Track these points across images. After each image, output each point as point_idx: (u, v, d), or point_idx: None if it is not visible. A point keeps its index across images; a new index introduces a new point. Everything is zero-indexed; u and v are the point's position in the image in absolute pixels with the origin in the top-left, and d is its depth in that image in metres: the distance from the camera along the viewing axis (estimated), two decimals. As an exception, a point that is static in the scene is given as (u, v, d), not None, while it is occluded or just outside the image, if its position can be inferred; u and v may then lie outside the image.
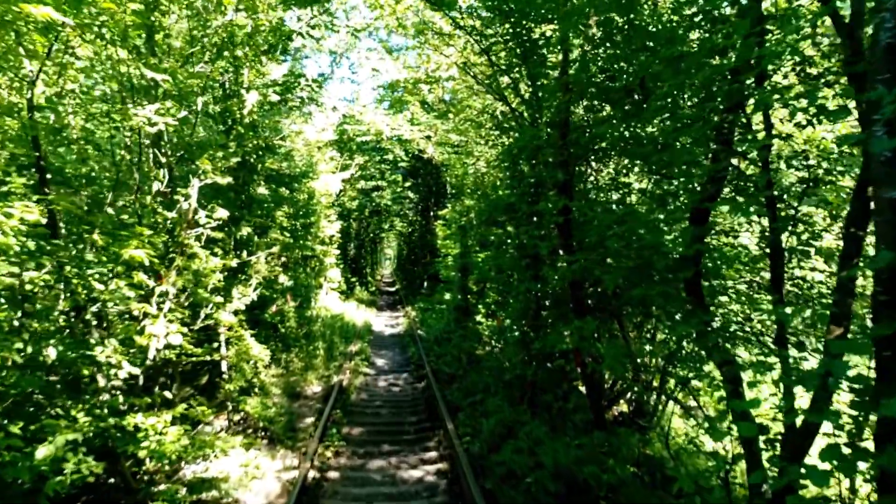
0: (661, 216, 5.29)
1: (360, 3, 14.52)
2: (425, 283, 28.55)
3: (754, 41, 3.19)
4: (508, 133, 10.45)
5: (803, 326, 3.41)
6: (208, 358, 7.55)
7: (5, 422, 3.68)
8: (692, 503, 5.02)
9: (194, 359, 6.14)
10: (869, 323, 3.46)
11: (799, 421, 3.45)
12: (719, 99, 3.66)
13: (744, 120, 3.94)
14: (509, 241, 9.81)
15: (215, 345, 6.96)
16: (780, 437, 4.00)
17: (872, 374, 2.64)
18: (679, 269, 4.02)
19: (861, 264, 3.13)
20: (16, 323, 4.14)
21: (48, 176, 6.90)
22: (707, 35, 3.63)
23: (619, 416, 9.26)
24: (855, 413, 2.74)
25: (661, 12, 5.32)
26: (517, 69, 9.49)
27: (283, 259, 14.34)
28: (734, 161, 4.27)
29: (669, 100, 3.94)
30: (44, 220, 4.31)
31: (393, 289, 35.36)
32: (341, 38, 18.26)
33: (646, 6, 5.38)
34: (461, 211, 17.53)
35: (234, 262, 7.37)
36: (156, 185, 6.63)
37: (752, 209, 2.98)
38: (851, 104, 3.24)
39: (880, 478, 2.56)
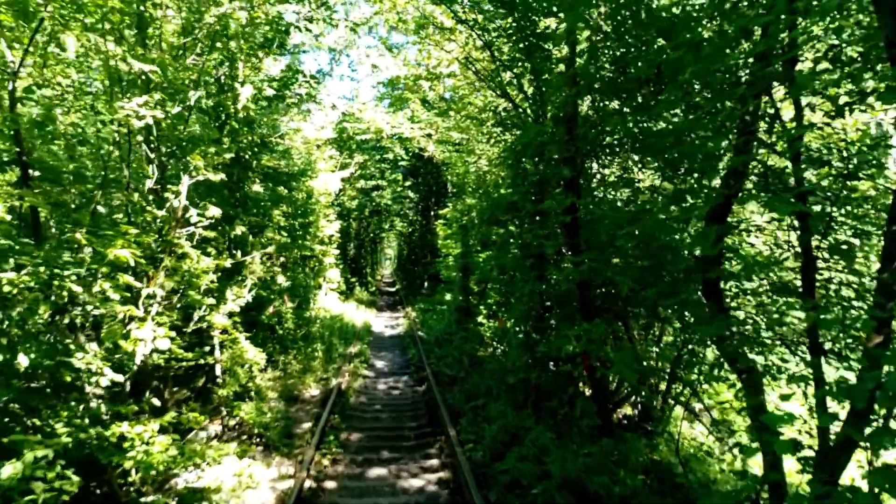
0: (675, 214, 5.02)
1: (360, -2, 14.27)
2: (426, 284, 28.29)
3: (788, 20, 2.92)
4: (511, 130, 10.17)
5: (834, 333, 3.14)
6: (202, 361, 7.30)
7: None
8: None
9: (185, 363, 5.87)
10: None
11: (833, 435, 3.18)
12: (744, 86, 3.39)
13: (770, 110, 3.67)
14: (512, 240, 9.54)
15: (206, 349, 6.67)
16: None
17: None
18: (699, 270, 3.75)
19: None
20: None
21: (36, 173, 6.63)
22: (734, 17, 3.36)
23: (622, 419, 8.99)
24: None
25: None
26: (520, 64, 9.22)
27: (282, 259, 14.07)
28: (756, 154, 4.00)
29: (690, 88, 3.67)
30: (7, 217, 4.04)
31: (393, 289, 35.09)
32: (340, 35, 17.98)
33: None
34: (462, 210, 17.27)
35: (227, 263, 7.10)
36: (148, 182, 6.37)
37: (786, 206, 2.71)
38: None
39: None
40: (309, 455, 6.95)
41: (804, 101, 4.04)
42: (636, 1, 4.72)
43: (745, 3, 3.75)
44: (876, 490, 2.32)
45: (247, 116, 7.94)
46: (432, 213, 27.89)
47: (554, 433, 7.19)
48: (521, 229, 9.00)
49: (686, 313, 5.27)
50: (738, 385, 9.42)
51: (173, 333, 5.26)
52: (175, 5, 7.04)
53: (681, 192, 4.34)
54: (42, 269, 3.75)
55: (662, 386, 8.80)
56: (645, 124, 4.84)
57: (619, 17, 5.19)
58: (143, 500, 5.54)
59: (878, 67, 3.20)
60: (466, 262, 16.11)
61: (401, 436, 8.30)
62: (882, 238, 3.05)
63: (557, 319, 8.36)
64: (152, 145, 6.14)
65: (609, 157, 6.67)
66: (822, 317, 2.70)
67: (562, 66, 8.07)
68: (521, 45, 8.46)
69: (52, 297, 4.12)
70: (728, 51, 3.37)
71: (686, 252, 4.24)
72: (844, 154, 3.24)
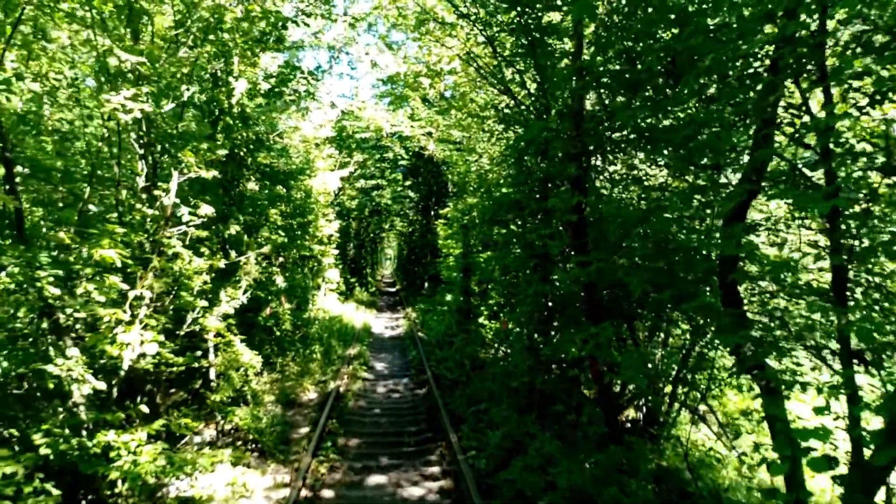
0: (690, 213, 4.79)
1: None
2: (426, 284, 28.05)
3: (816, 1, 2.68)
4: (513, 127, 9.93)
5: (881, 340, 2.90)
6: (196, 365, 7.06)
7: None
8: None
9: (175, 369, 5.63)
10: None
11: (868, 451, 2.94)
12: (769, 73, 3.15)
13: (794, 99, 3.43)
14: (515, 240, 9.30)
15: (198, 353, 6.43)
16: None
17: None
18: (721, 272, 3.52)
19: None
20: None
21: (25, 170, 6.40)
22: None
23: (625, 422, 8.75)
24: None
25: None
26: (524, 59, 8.99)
27: (281, 259, 13.84)
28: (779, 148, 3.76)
29: (709, 77, 3.43)
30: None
31: (393, 289, 34.87)
32: (339, 33, 17.75)
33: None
34: (463, 210, 17.03)
35: (221, 263, 6.86)
36: (140, 181, 6.14)
37: (818, 203, 2.47)
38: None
39: None
40: (305, 462, 6.71)
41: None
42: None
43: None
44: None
45: (242, 112, 7.70)
46: (433, 212, 27.65)
47: (559, 440, 6.95)
48: (524, 229, 8.77)
49: (698, 316, 5.02)
50: (748, 389, 9.19)
51: (161, 338, 5.02)
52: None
53: (699, 188, 4.10)
54: (17, 270, 3.51)
55: (668, 389, 8.57)
56: (660, 116, 4.59)
57: (628, 7, 4.96)
58: (131, 511, 5.31)
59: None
60: (467, 262, 15.88)
61: (400, 441, 8.06)
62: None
63: (562, 322, 8.13)
64: (142, 141, 5.90)
65: (617, 154, 6.42)
66: (861, 324, 2.47)
67: (566, 61, 7.85)
68: (524, 40, 8.22)
69: (30, 300, 3.88)
70: (751, 36, 3.13)
71: (704, 252, 4.00)
72: (880, 145, 2.99)
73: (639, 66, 5.13)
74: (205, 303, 6.38)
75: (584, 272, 5.90)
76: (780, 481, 7.77)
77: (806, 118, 3.46)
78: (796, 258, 4.37)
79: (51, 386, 4.39)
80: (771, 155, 3.30)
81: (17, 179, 5.44)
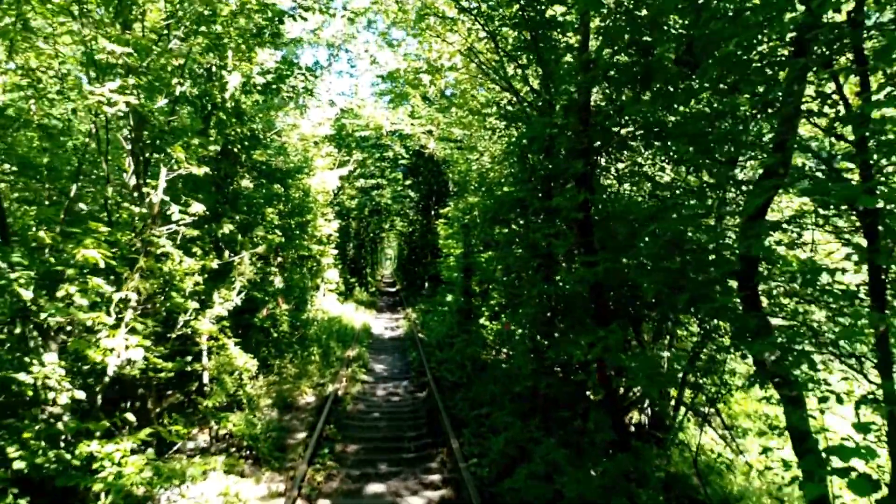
0: (701, 210, 4.54)
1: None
2: (426, 284, 27.80)
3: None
4: (516, 124, 9.68)
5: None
6: (189, 369, 6.83)
7: None
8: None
9: (162, 375, 5.38)
10: None
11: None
12: (783, 56, 2.90)
13: (824, 88, 3.18)
14: (518, 240, 9.05)
15: (189, 358, 6.18)
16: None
17: None
18: (744, 273, 3.27)
19: None
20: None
21: (13, 168, 6.15)
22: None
23: (630, 425, 8.51)
24: None
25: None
26: (526, 54, 8.75)
27: (279, 259, 13.60)
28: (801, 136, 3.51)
29: (732, 64, 3.18)
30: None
31: (393, 289, 34.63)
32: (339, 29, 17.50)
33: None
34: (464, 209, 16.79)
35: (214, 264, 6.63)
36: (128, 178, 5.89)
37: (860, 198, 2.23)
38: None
39: None
40: (301, 470, 6.47)
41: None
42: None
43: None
44: None
45: (236, 107, 7.45)
46: (433, 212, 27.40)
47: (565, 446, 6.71)
48: (527, 228, 8.52)
49: (711, 319, 4.77)
50: (757, 389, 8.94)
51: (148, 343, 4.77)
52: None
53: (714, 184, 3.86)
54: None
55: (674, 392, 8.34)
56: (673, 108, 4.35)
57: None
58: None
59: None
60: (468, 262, 15.63)
61: (400, 447, 7.81)
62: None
63: (566, 324, 7.88)
64: (131, 136, 5.66)
65: (625, 151, 6.16)
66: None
67: (569, 57, 7.61)
68: (527, 35, 7.98)
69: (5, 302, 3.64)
70: (780, 18, 2.89)
71: (726, 253, 3.75)
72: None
73: (650, 58, 4.90)
74: (196, 305, 6.13)
75: (590, 272, 5.65)
76: (792, 489, 7.52)
77: (833, 108, 3.21)
78: (821, 260, 4.12)
79: (30, 394, 4.15)
80: (803, 147, 3.06)
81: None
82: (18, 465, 3.53)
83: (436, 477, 6.72)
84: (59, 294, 4.27)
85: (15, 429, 3.94)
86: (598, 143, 6.02)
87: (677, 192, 4.47)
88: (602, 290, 6.24)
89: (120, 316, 4.75)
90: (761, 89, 3.46)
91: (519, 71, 9.99)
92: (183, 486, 5.65)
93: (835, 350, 3.22)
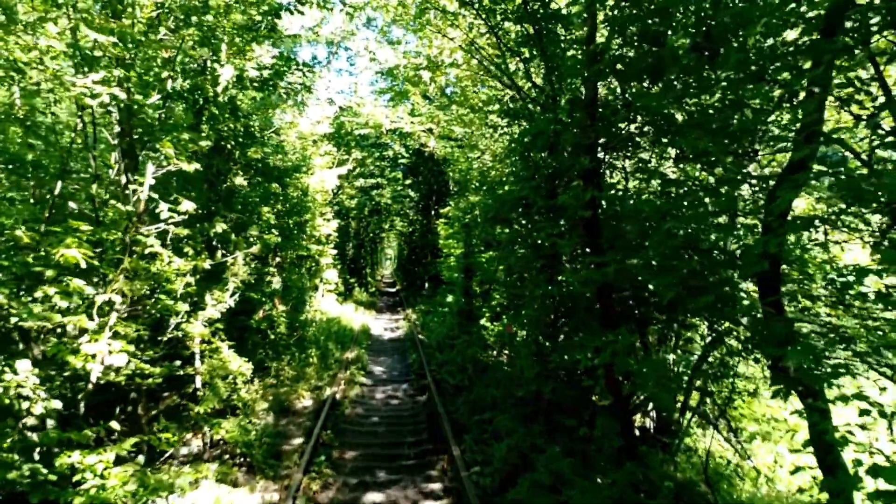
0: (717, 209, 4.29)
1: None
2: (426, 284, 27.55)
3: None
4: (518, 121, 9.43)
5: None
6: (181, 373, 6.58)
7: None
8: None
9: (150, 380, 5.13)
10: None
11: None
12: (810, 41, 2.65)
13: (854, 74, 2.94)
14: (520, 239, 8.80)
15: (178, 363, 5.93)
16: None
17: None
18: (772, 276, 3.03)
19: None
20: None
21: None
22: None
23: (635, 428, 8.27)
24: None
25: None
26: (529, 49, 8.50)
27: (278, 259, 13.35)
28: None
29: (755, 50, 2.93)
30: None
31: (393, 290, 34.40)
32: (338, 26, 17.26)
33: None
34: (465, 208, 16.55)
35: (206, 264, 6.37)
36: (115, 174, 5.65)
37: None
38: None
39: None
40: (297, 479, 6.22)
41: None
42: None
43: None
44: None
45: (231, 102, 7.20)
46: (433, 211, 27.15)
47: (569, 454, 6.47)
48: (530, 228, 8.27)
49: (729, 322, 4.52)
50: (768, 399, 8.69)
51: (132, 348, 4.52)
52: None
53: (732, 182, 3.61)
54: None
55: (680, 396, 8.10)
56: (687, 101, 4.10)
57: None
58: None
59: None
60: (469, 262, 15.39)
61: (399, 454, 7.56)
62: None
63: (571, 327, 7.63)
64: (115, 129, 5.41)
65: (634, 147, 5.91)
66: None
67: (572, 51, 7.36)
68: (529, 29, 7.74)
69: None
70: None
71: (756, 253, 3.50)
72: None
73: (661, 48, 4.65)
74: (187, 307, 5.88)
75: (599, 273, 5.41)
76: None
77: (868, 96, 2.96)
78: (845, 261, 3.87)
79: (6, 402, 3.90)
80: (831, 139, 2.81)
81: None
82: (-12, 481, 3.30)
83: (436, 486, 6.48)
84: (37, 296, 4.03)
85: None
86: (606, 138, 5.77)
87: (694, 188, 4.21)
88: (610, 292, 5.99)
89: (103, 320, 4.50)
90: (787, 76, 3.23)
91: (521, 66, 9.76)
92: (172, 496, 5.41)
93: (871, 359, 2.97)
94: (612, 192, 6.09)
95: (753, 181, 4.09)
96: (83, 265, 4.11)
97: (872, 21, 2.75)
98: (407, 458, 7.41)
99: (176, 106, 7.14)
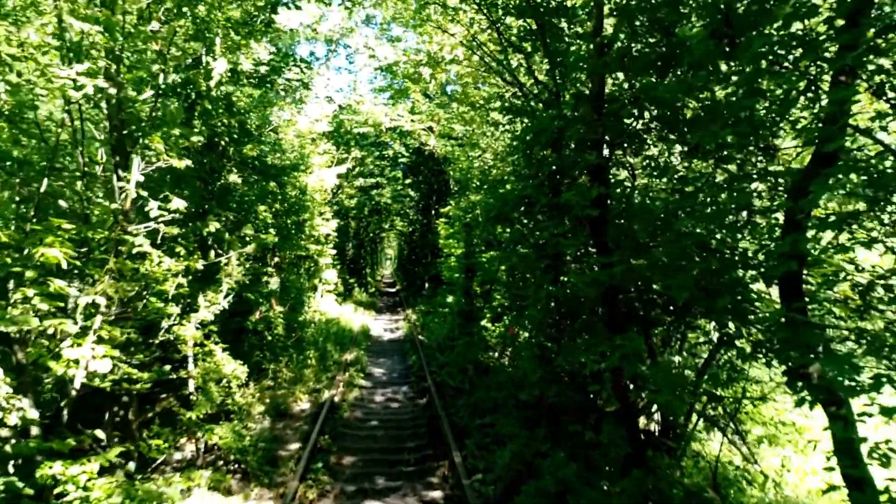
0: (733, 206, 4.08)
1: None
2: (427, 285, 27.33)
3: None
4: (520, 118, 9.22)
5: None
6: (174, 376, 6.38)
7: None
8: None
9: (139, 386, 4.92)
10: None
11: None
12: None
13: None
14: (522, 239, 8.59)
15: (167, 367, 5.72)
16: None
17: None
18: (794, 278, 2.82)
19: None
20: None
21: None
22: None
23: (638, 432, 8.06)
24: None
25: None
26: (532, 44, 8.29)
27: (276, 259, 13.14)
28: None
29: (780, 37, 2.72)
30: None
31: (393, 290, 34.21)
32: (337, 23, 17.06)
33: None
34: (465, 208, 16.33)
35: (199, 264, 6.16)
36: (111, 173, 5.43)
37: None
38: None
39: None
40: (292, 487, 6.01)
41: None
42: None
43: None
44: None
45: (226, 97, 6.98)
46: (434, 211, 26.92)
47: (575, 460, 6.25)
48: (530, 228, 8.05)
49: (759, 327, 4.30)
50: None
51: (117, 352, 4.31)
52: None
53: (750, 177, 3.39)
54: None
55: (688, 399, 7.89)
56: (699, 93, 3.89)
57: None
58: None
59: None
60: (470, 262, 15.17)
61: (399, 460, 7.35)
62: None
63: (575, 329, 7.42)
64: (105, 125, 5.20)
65: (643, 142, 5.69)
66: None
67: (576, 45, 7.15)
68: (532, 24, 7.53)
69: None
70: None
71: (776, 253, 3.30)
72: None
73: (673, 38, 4.44)
74: (178, 309, 5.67)
75: (605, 274, 5.19)
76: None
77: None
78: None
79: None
80: (860, 130, 2.61)
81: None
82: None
83: (437, 493, 6.27)
84: (16, 298, 3.82)
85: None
86: (613, 134, 5.56)
87: (707, 184, 4.01)
88: (617, 294, 5.78)
89: (87, 323, 4.29)
90: (809, 64, 3.02)
91: (524, 62, 9.54)
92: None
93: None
94: (620, 189, 5.87)
95: (770, 178, 3.88)
96: (64, 265, 3.91)
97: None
98: (407, 464, 7.20)
99: (171, 103, 6.94)
